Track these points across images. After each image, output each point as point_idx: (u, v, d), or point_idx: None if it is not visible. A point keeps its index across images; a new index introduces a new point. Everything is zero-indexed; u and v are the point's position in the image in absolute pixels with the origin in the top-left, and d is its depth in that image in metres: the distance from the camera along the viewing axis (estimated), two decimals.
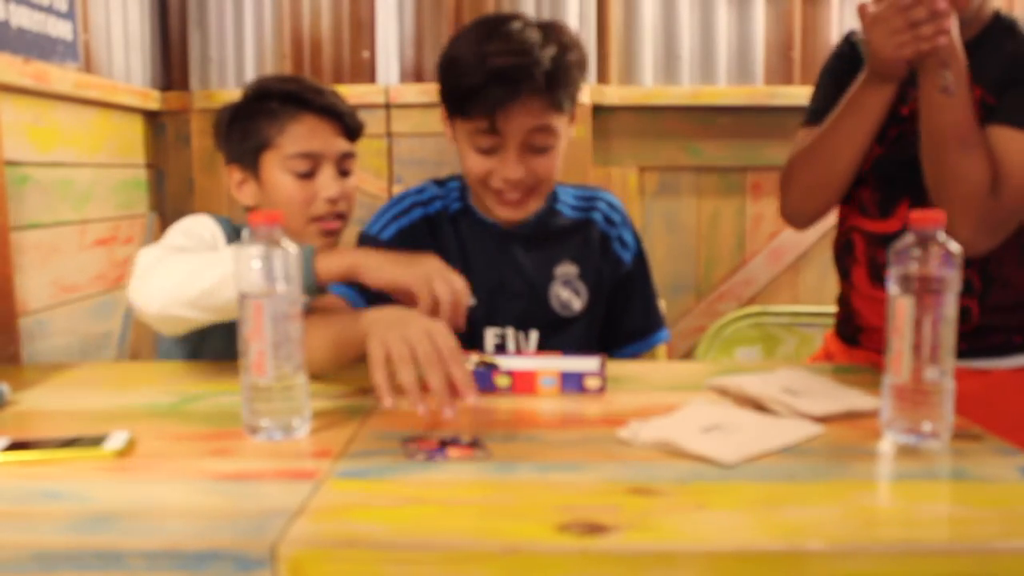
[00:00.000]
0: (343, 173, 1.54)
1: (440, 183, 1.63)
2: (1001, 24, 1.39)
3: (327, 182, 1.51)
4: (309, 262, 1.24)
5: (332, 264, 1.25)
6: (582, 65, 1.48)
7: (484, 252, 1.56)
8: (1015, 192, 1.28)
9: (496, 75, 1.36)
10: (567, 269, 1.58)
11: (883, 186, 1.45)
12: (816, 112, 1.50)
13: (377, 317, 1.18)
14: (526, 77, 1.37)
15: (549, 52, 1.39)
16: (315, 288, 1.26)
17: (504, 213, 1.50)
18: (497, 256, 1.56)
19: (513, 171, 1.43)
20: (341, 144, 1.54)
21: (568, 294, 1.58)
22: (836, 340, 1.61)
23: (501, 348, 1.54)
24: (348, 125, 1.56)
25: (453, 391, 1.10)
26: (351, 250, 1.31)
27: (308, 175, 1.50)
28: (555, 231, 1.59)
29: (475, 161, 1.46)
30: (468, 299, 1.25)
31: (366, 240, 1.55)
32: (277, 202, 1.50)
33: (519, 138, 1.42)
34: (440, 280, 1.22)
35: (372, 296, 1.49)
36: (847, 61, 1.49)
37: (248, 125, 1.52)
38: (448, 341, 1.12)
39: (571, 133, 1.53)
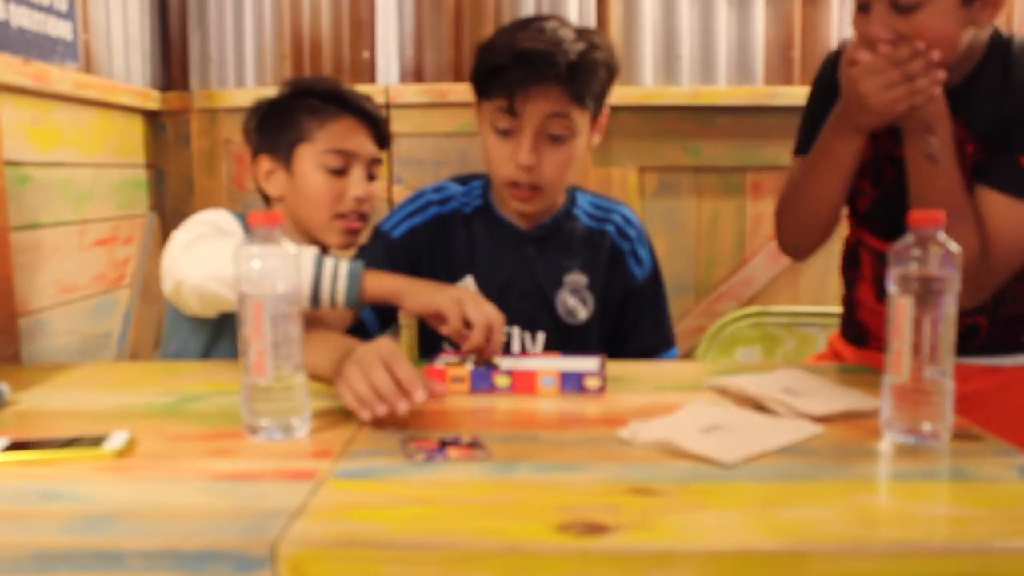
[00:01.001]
0: (370, 177, 1.59)
1: (463, 181, 1.67)
2: (996, 59, 1.33)
3: (357, 182, 1.56)
4: (357, 280, 1.28)
5: (378, 285, 1.31)
6: (610, 67, 1.51)
7: (497, 250, 1.60)
8: (1003, 258, 1.26)
9: (520, 56, 1.42)
10: (576, 278, 1.60)
11: (885, 223, 1.44)
12: (805, 141, 1.48)
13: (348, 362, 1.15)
14: (549, 63, 1.41)
15: (577, 46, 1.44)
16: (357, 304, 1.30)
17: (515, 205, 1.54)
18: (509, 255, 1.59)
19: (526, 156, 1.46)
20: (373, 148, 1.60)
21: (575, 302, 1.60)
22: (843, 341, 1.61)
23: (507, 347, 1.55)
24: (381, 132, 1.62)
25: (404, 391, 1.08)
26: (397, 277, 1.34)
27: (339, 173, 1.55)
28: (569, 237, 1.62)
29: (493, 144, 1.50)
30: (502, 325, 1.29)
31: (378, 236, 1.61)
32: (306, 194, 1.55)
33: (536, 123, 1.46)
34: (472, 305, 1.27)
35: (383, 315, 1.56)
36: (832, 83, 1.43)
37: (287, 118, 1.57)
38: (390, 348, 1.11)
39: (594, 140, 1.56)
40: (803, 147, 1.49)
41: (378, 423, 1.09)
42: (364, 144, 1.58)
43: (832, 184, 1.38)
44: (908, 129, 1.28)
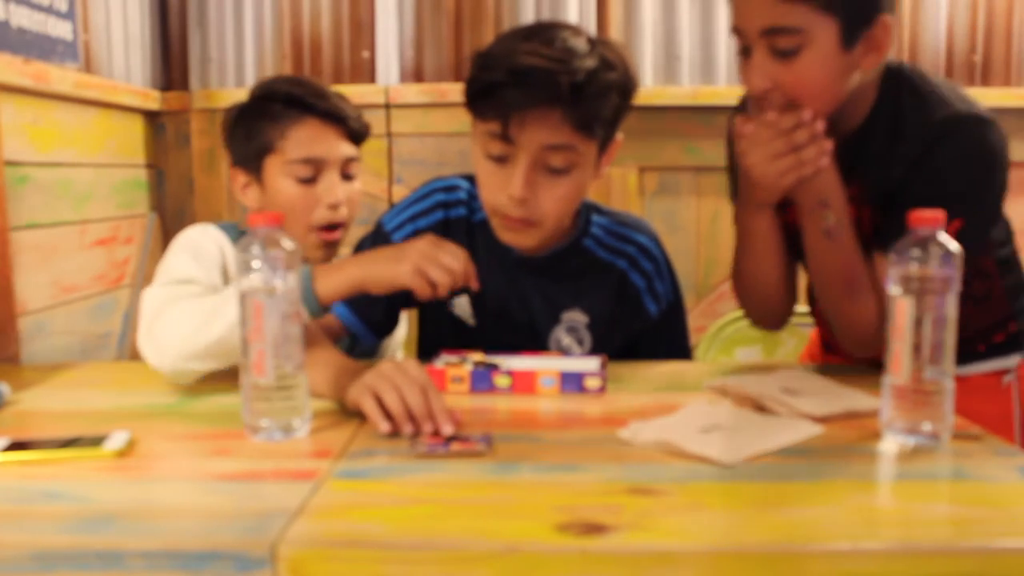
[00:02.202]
0: (347, 177, 1.52)
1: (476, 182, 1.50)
2: (887, 108, 1.26)
3: (329, 188, 1.48)
4: (307, 286, 1.22)
5: (332, 284, 1.24)
6: (625, 90, 1.32)
7: (493, 274, 1.43)
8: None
9: (518, 74, 1.23)
10: (575, 316, 1.47)
11: None
12: (734, 188, 1.40)
13: (358, 381, 1.13)
14: (550, 83, 1.22)
15: (587, 63, 1.24)
16: (318, 310, 1.25)
17: (506, 236, 1.37)
18: (505, 281, 1.45)
19: (517, 187, 1.28)
20: (344, 149, 1.50)
21: (570, 341, 1.47)
22: (818, 344, 1.61)
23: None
24: (352, 129, 1.52)
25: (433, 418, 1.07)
26: (345, 263, 1.27)
27: (310, 180, 1.48)
28: (574, 272, 1.46)
29: (484, 169, 1.33)
30: (467, 268, 1.24)
31: (380, 234, 1.49)
32: (279, 207, 1.47)
33: (532, 152, 1.27)
34: (432, 267, 1.21)
35: (368, 317, 1.48)
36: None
37: (251, 127, 1.49)
38: (421, 374, 1.10)
39: (602, 170, 1.37)
40: (736, 196, 1.40)
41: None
42: (334, 146, 1.49)
43: (762, 260, 1.34)
44: (802, 204, 1.24)
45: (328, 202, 1.48)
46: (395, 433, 1.05)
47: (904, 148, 1.23)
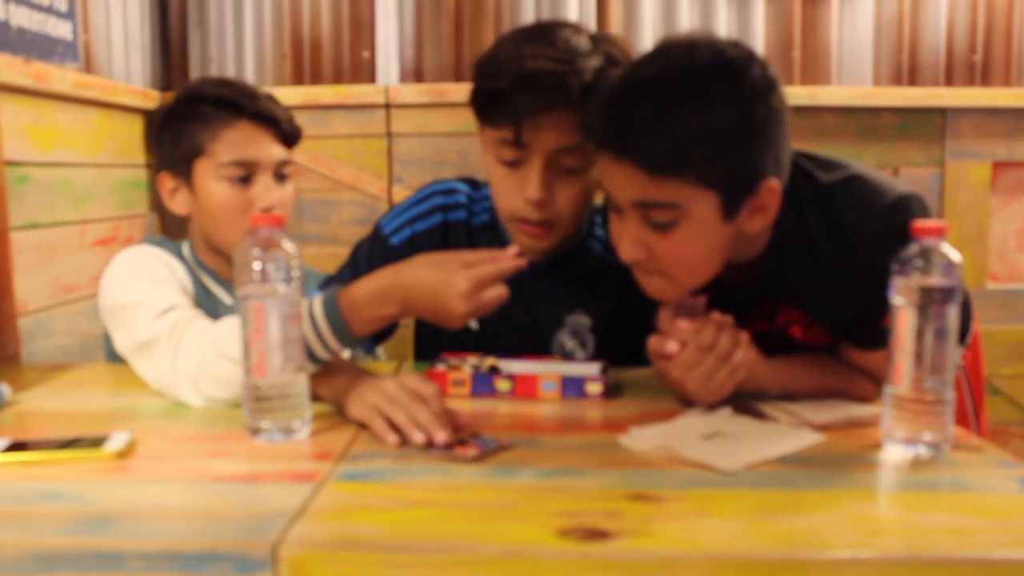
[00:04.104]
0: (280, 179, 1.45)
1: (476, 186, 1.51)
2: (790, 224, 1.16)
3: (263, 191, 1.42)
4: (342, 329, 1.16)
5: (367, 322, 1.16)
6: None
7: None
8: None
9: (527, 79, 1.23)
10: (579, 319, 1.46)
11: None
12: None
13: (354, 393, 1.12)
14: (560, 86, 1.22)
15: (593, 62, 1.25)
16: (355, 344, 1.20)
17: (525, 242, 1.35)
18: (510, 284, 1.38)
19: (534, 190, 1.28)
20: (277, 151, 1.44)
21: (574, 344, 1.47)
22: None
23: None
24: (284, 131, 1.46)
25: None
26: (377, 301, 1.16)
27: (243, 183, 1.42)
28: (578, 274, 1.45)
29: (498, 175, 1.33)
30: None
31: (378, 237, 1.48)
32: (211, 211, 1.42)
33: (545, 155, 1.28)
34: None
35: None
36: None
37: (179, 131, 1.43)
38: (426, 387, 1.08)
39: None
40: None
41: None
42: (266, 149, 1.43)
43: None
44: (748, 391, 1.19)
45: (262, 205, 1.42)
46: (404, 443, 1.04)
47: (834, 264, 1.14)
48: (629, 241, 1.13)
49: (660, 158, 1.05)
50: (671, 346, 1.13)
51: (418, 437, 1.02)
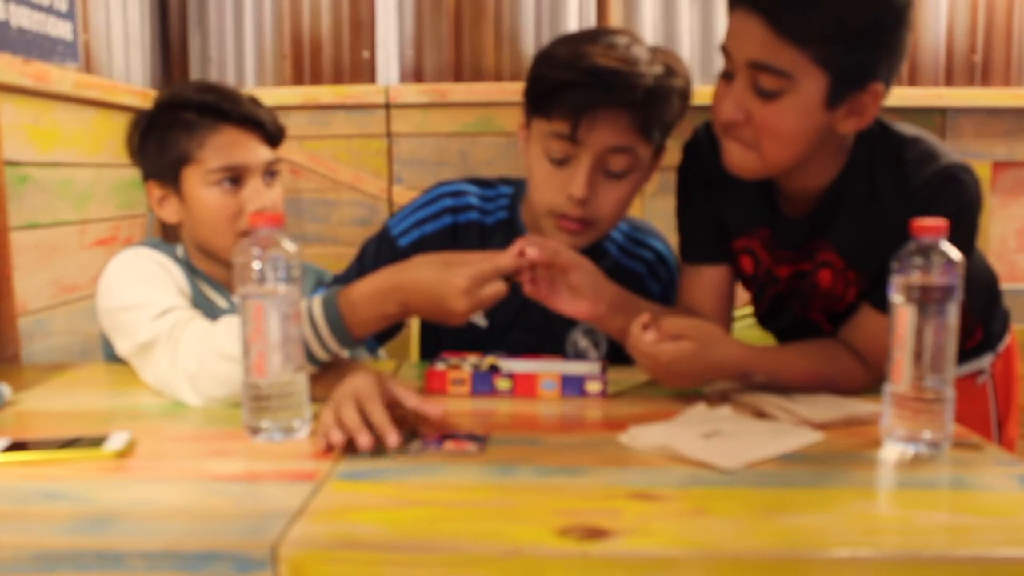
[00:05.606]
0: (269, 177, 1.45)
1: (487, 184, 1.52)
2: (861, 169, 1.22)
3: (253, 195, 1.41)
4: (341, 329, 1.16)
5: (364, 323, 1.17)
6: (685, 97, 1.36)
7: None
8: (878, 366, 1.12)
9: (593, 73, 1.25)
10: None
11: (772, 328, 1.47)
12: (691, 248, 1.40)
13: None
14: (624, 85, 1.25)
15: (655, 69, 1.28)
16: (354, 344, 1.20)
17: (562, 237, 1.35)
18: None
19: (579, 187, 1.29)
20: (264, 153, 1.44)
21: (586, 344, 1.48)
22: None
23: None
24: (270, 132, 1.46)
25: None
26: (375, 300, 1.16)
27: (233, 188, 1.41)
28: None
29: (542, 169, 1.33)
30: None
31: (386, 238, 1.48)
32: (202, 218, 1.42)
33: (596, 153, 1.29)
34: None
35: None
36: (705, 170, 1.35)
37: (164, 139, 1.42)
38: (367, 385, 1.06)
39: (650, 176, 1.39)
40: (692, 255, 1.40)
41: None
42: (253, 152, 1.42)
43: None
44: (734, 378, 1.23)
45: (252, 209, 1.40)
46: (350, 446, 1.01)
47: (888, 208, 1.20)
48: (732, 101, 1.16)
49: (791, 19, 1.09)
50: (665, 351, 1.16)
51: (364, 439, 0.99)
